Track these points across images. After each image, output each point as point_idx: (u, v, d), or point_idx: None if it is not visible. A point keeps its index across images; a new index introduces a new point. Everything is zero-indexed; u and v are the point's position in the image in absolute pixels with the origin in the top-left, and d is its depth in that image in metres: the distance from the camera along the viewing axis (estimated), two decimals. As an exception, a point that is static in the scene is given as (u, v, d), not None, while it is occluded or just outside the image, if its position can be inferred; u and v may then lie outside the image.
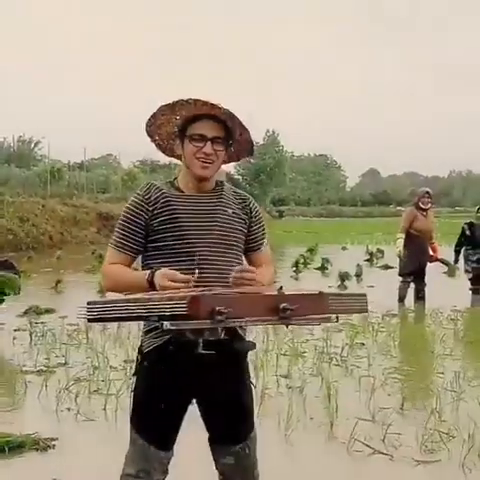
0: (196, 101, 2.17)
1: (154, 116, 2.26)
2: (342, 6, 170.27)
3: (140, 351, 2.25)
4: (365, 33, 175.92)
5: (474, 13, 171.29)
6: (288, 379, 5.16)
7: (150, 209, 2.22)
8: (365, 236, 26.25)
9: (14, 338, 6.74)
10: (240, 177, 63.90)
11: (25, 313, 8.17)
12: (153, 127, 2.30)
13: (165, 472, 2.27)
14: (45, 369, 5.42)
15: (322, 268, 14.32)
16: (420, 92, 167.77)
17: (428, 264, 9.44)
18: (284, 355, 5.85)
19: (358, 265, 13.24)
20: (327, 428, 4.09)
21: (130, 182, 29.51)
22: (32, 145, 51.30)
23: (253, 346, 2.14)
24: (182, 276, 2.05)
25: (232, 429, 2.27)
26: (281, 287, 1.94)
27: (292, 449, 3.87)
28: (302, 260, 14.93)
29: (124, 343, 6.20)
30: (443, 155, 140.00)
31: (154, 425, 2.21)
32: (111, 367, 5.37)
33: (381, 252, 17.62)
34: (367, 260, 16.19)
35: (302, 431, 4.06)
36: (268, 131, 66.06)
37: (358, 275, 12.71)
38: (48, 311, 8.41)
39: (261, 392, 4.66)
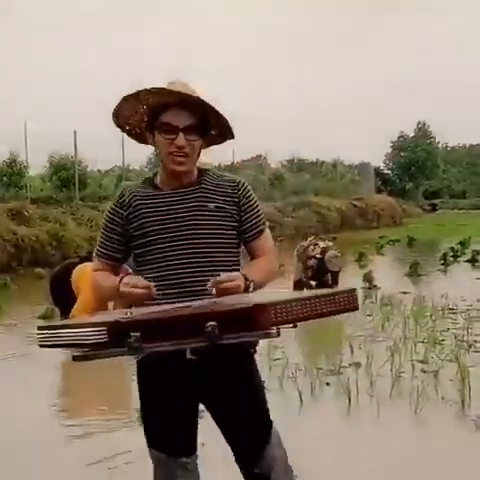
0: (161, 89, 1.99)
1: (118, 107, 2.06)
2: None
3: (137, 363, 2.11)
4: None
5: None
6: (424, 364, 5.32)
7: (124, 214, 2.09)
8: (525, 227, 24.85)
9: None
10: (390, 171, 62.65)
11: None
12: (120, 118, 2.10)
13: (188, 477, 2.10)
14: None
15: (472, 261, 13.94)
16: None
17: None
18: (422, 342, 6.00)
19: (510, 256, 12.77)
20: (458, 407, 4.26)
21: (277, 182, 30.01)
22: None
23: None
24: (143, 282, 1.95)
25: (248, 442, 2.09)
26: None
27: (421, 425, 4.10)
28: (451, 253, 14.63)
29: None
30: None
31: (162, 432, 2.08)
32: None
33: None
34: (522, 251, 15.47)
35: (432, 410, 4.26)
36: (419, 123, 64.13)
37: (510, 267, 12.28)
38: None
39: (395, 376, 4.92)
